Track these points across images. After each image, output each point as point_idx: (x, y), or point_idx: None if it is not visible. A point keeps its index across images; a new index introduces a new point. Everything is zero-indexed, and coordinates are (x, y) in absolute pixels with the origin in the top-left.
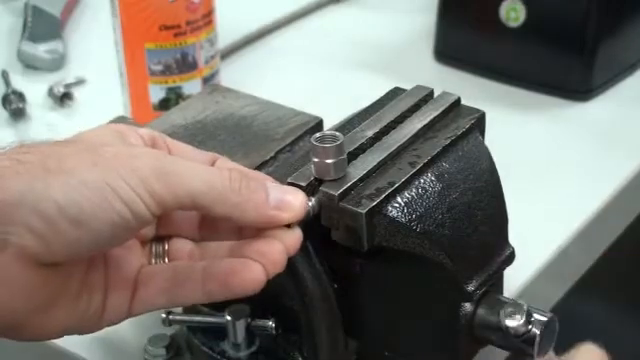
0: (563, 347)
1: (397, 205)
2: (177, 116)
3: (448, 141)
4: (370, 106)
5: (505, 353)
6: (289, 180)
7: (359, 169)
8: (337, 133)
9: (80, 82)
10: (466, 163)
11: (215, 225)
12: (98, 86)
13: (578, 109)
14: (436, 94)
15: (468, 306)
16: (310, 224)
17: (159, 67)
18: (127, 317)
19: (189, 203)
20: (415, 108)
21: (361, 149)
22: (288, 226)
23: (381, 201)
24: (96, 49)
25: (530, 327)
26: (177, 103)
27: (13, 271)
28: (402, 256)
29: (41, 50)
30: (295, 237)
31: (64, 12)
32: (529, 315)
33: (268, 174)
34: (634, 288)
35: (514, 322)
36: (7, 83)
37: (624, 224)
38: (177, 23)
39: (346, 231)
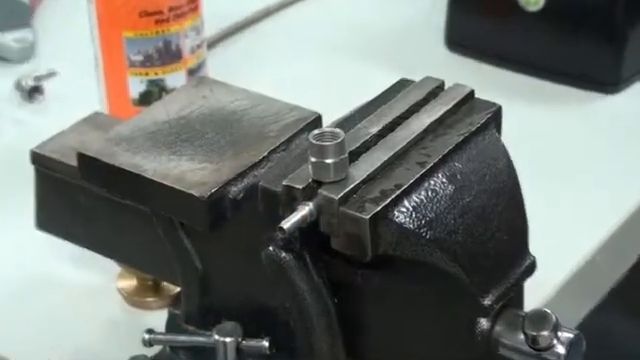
0: None
1: (404, 210)
2: (159, 112)
3: (461, 138)
4: (374, 99)
5: None
6: (284, 183)
7: (362, 170)
8: (337, 130)
9: (51, 74)
10: (481, 163)
11: None
12: (71, 79)
13: (606, 102)
14: (447, 86)
15: (484, 322)
16: (308, 231)
17: (139, 57)
18: None
19: None
20: (424, 102)
21: (364, 147)
22: None
23: (387, 205)
24: (69, 38)
25: (555, 341)
26: (159, 97)
27: None
28: (410, 266)
29: (8, 39)
30: None
31: None
32: (556, 325)
33: (260, 176)
34: None
35: (540, 331)
36: None
37: None
38: (159, 9)
39: (348, 239)
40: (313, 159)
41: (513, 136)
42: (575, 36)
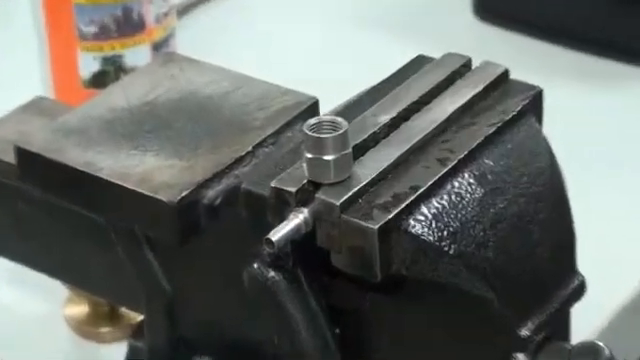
0: None
1: (422, 218)
2: (117, 96)
3: (492, 129)
4: (385, 81)
5: None
6: (273, 184)
7: (369, 168)
8: (339, 119)
9: None
10: (517, 160)
11: None
12: (8, 55)
13: None
14: (476, 64)
15: (522, 357)
16: (302, 245)
17: (92, 29)
18: None
19: None
20: (447, 84)
21: (372, 141)
22: None
23: (400, 212)
24: (5, 5)
25: None
26: (117, 78)
27: None
28: (430, 289)
29: None
30: None
31: None
32: None
33: (243, 176)
34: None
35: None
36: None
37: None
38: None
39: (352, 254)
40: (309, 155)
41: (556, 124)
42: (629, 2)
